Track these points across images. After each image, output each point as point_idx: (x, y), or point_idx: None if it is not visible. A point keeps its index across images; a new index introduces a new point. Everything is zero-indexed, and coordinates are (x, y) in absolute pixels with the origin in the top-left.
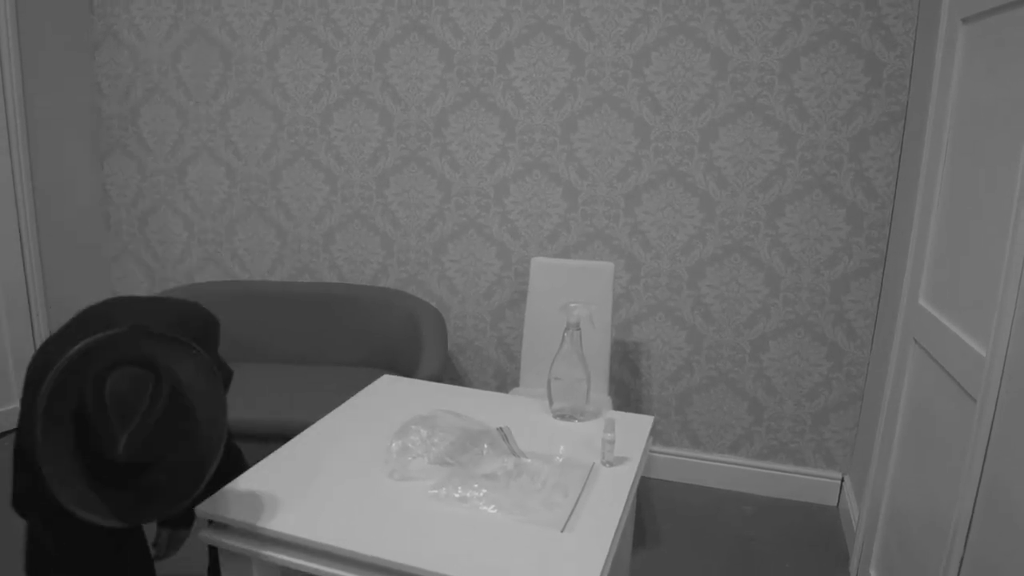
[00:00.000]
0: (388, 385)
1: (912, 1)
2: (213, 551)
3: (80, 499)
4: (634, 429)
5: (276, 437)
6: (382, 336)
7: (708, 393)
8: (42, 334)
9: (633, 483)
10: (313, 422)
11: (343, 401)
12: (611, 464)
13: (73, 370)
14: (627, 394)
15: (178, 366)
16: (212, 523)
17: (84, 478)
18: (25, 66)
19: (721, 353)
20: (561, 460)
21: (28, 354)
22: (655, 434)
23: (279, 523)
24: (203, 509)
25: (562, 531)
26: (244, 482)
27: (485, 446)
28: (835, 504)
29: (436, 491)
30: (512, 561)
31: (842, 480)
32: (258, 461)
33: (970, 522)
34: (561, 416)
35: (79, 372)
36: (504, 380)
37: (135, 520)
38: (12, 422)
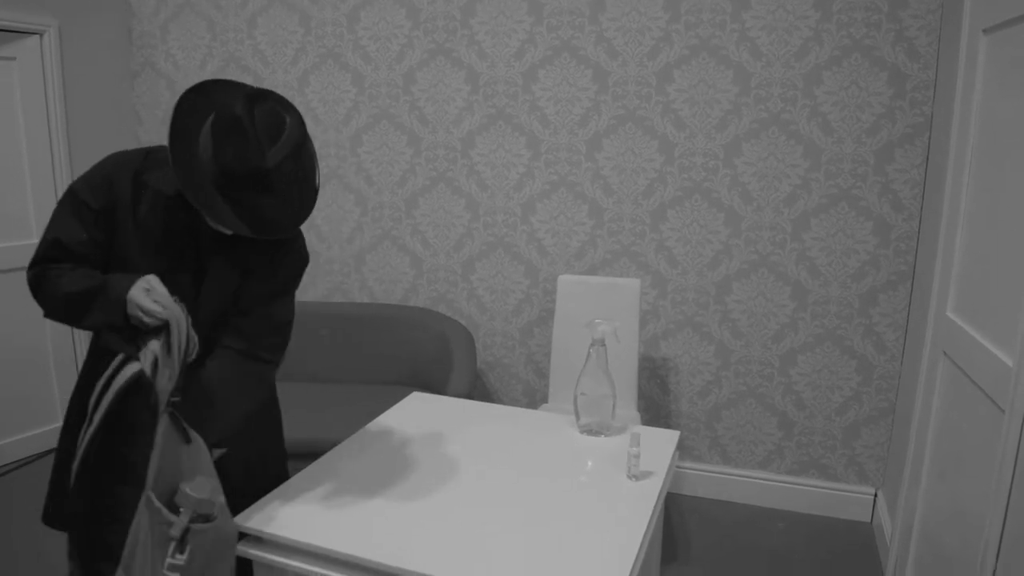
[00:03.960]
0: (418, 402)
1: (934, 12)
2: (242, 568)
3: (208, 201)
4: (660, 443)
5: (308, 454)
6: (412, 354)
7: (737, 408)
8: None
9: (659, 497)
10: (344, 439)
11: (374, 418)
12: (637, 478)
13: (204, 91)
14: (656, 410)
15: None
16: (246, 536)
17: (212, 185)
18: (68, 96)
19: (750, 368)
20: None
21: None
22: (685, 450)
23: (312, 536)
24: (238, 522)
25: None
26: (278, 497)
27: None
28: (869, 520)
29: None
30: (536, 575)
31: (875, 495)
32: (291, 477)
33: (1001, 535)
34: (588, 431)
35: (209, 95)
36: (533, 397)
37: (258, 231)
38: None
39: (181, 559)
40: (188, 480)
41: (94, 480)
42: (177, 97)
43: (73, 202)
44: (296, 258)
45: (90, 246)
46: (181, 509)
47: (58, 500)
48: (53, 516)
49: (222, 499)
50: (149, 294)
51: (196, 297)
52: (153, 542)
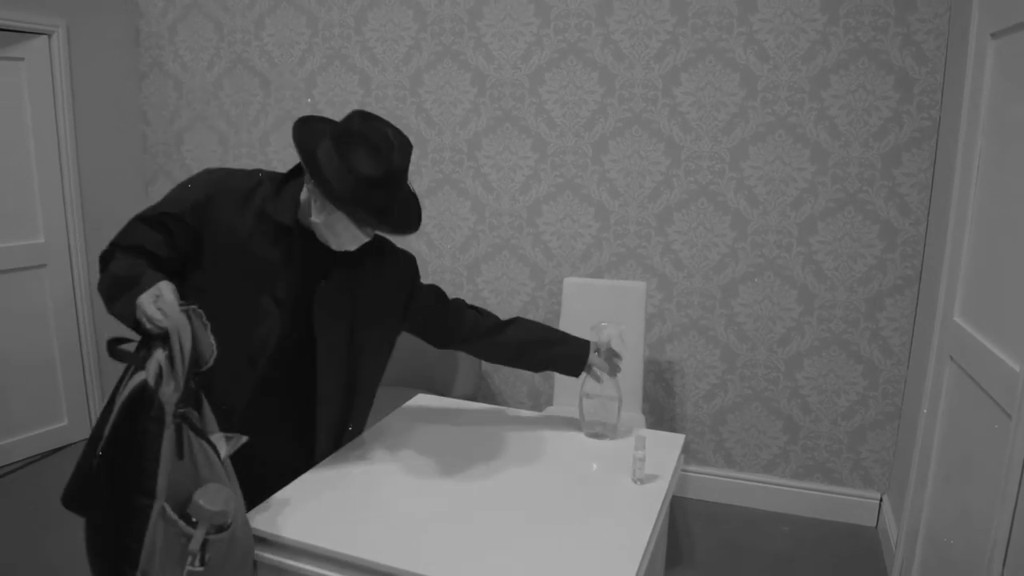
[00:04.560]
0: (423, 404)
1: (942, 16)
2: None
3: (354, 210)
4: (666, 447)
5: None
6: (417, 356)
7: (742, 412)
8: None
9: (664, 500)
10: (349, 440)
11: (379, 420)
12: (641, 481)
13: (305, 122)
14: (661, 413)
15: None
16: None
17: (351, 195)
18: (76, 97)
19: (755, 372)
20: None
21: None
22: (690, 453)
23: (316, 537)
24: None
25: None
26: (282, 498)
27: None
28: (874, 524)
29: None
30: None
31: (881, 500)
32: (295, 478)
33: (1008, 541)
34: (593, 435)
35: (310, 124)
36: (538, 399)
37: (395, 226)
38: (60, 440)
39: (200, 569)
40: (202, 490)
41: (110, 489)
42: (184, 97)
43: (171, 207)
44: (406, 257)
45: (165, 249)
46: (196, 521)
47: (80, 485)
48: (72, 499)
49: (240, 502)
50: (156, 301)
51: (283, 320)
52: (169, 551)
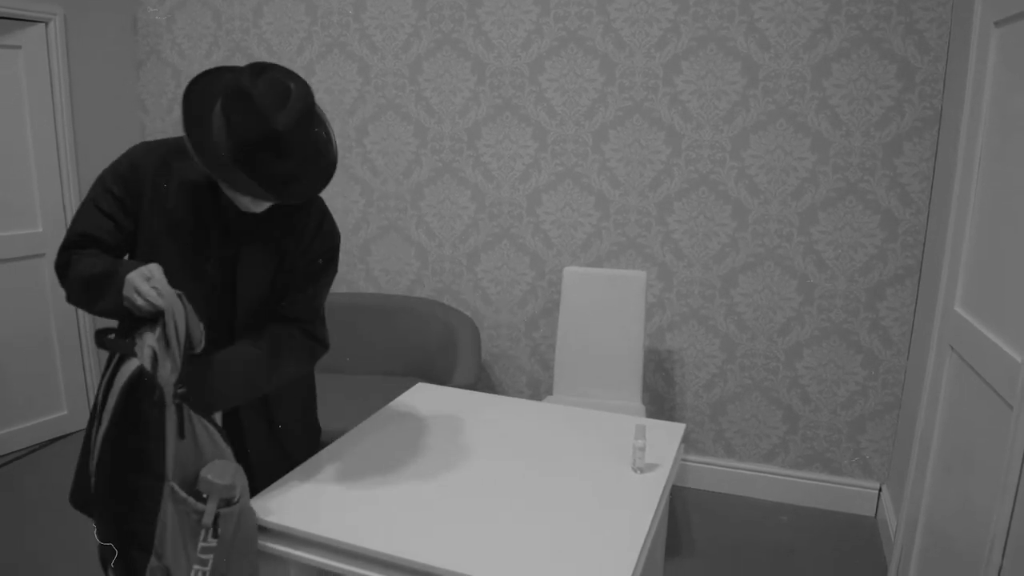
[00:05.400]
0: (423, 393)
1: (945, 5)
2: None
3: (230, 175)
4: (665, 437)
5: None
6: (417, 346)
7: (742, 402)
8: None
9: (664, 490)
10: (349, 429)
11: (378, 409)
12: (641, 470)
13: (210, 75)
14: (661, 402)
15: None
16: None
17: (231, 159)
18: (74, 85)
19: (755, 361)
20: None
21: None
22: (690, 443)
23: (316, 526)
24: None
25: None
26: (282, 486)
27: None
28: (873, 514)
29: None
30: (545, 567)
31: (880, 490)
32: (295, 467)
33: (1008, 531)
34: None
35: (215, 78)
36: (538, 389)
37: (279, 195)
38: (59, 429)
39: (213, 542)
40: (209, 465)
41: (115, 475)
42: (183, 87)
43: (100, 191)
44: (328, 235)
45: (116, 234)
46: (206, 496)
47: (84, 483)
48: (79, 498)
49: (244, 481)
50: (148, 281)
51: (224, 284)
52: (182, 529)
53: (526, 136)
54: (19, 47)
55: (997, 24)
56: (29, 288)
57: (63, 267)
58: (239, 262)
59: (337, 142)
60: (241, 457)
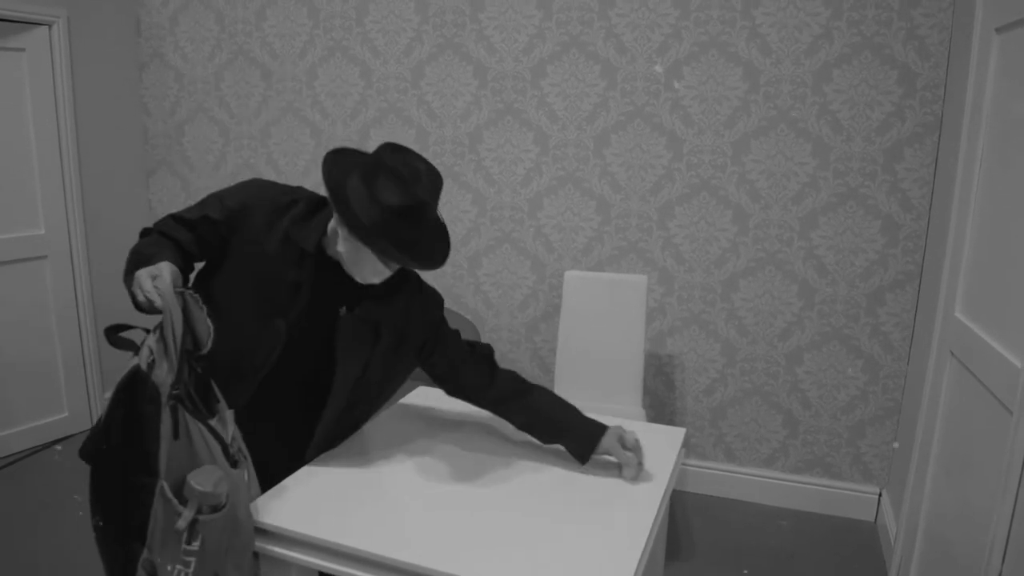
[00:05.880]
0: (423, 397)
1: (946, 11)
2: None
3: (375, 241)
4: (666, 441)
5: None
6: None
7: (742, 406)
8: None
9: (664, 494)
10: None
11: (379, 413)
12: (633, 479)
13: (340, 153)
14: (661, 407)
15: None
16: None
17: (375, 226)
18: (77, 87)
19: (755, 366)
20: None
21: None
22: (690, 447)
23: (316, 529)
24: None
25: None
26: (283, 489)
27: None
28: (873, 519)
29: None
30: (546, 571)
31: (880, 495)
32: (297, 469)
33: (1008, 536)
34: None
35: (344, 155)
36: None
37: (421, 262)
38: (61, 431)
39: (195, 546)
40: (196, 471)
41: (120, 470)
42: (185, 88)
43: (211, 203)
44: (433, 294)
45: (195, 247)
46: (188, 501)
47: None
48: (88, 452)
49: (233, 483)
50: (155, 280)
51: (312, 348)
52: (167, 530)
53: (527, 140)
54: (23, 50)
55: (998, 31)
56: (31, 290)
57: (145, 232)
58: (338, 330)
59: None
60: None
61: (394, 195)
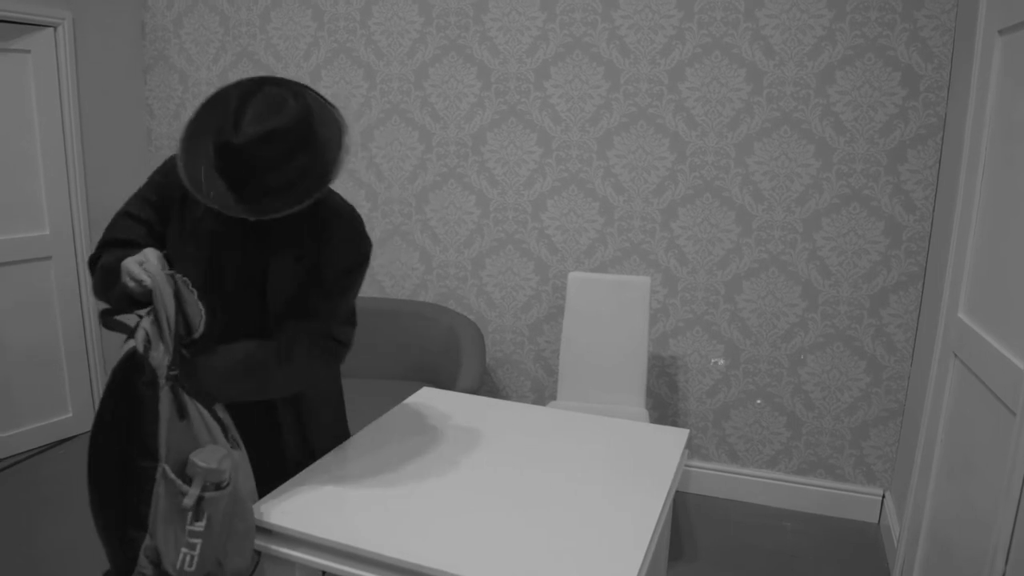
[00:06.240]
0: (427, 397)
1: (949, 13)
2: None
3: (194, 176)
4: (669, 442)
5: None
6: (421, 350)
7: (745, 407)
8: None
9: (667, 495)
10: (354, 433)
11: (383, 413)
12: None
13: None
14: (664, 408)
15: (313, 101)
16: (256, 528)
17: (218, 182)
18: (81, 89)
19: (758, 367)
20: None
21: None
22: (693, 448)
23: (322, 529)
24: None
25: None
26: (288, 489)
27: None
28: (876, 521)
29: None
30: (549, 572)
31: (883, 496)
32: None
33: (1011, 538)
34: None
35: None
36: (542, 394)
37: (259, 210)
38: (65, 431)
39: (200, 526)
40: (199, 450)
41: (118, 454)
42: (189, 90)
43: (135, 199)
44: (356, 243)
45: (148, 238)
46: (192, 479)
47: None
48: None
49: (235, 462)
50: (143, 264)
51: (256, 292)
52: (172, 512)
53: (531, 142)
54: (28, 51)
55: (1001, 32)
56: (36, 290)
57: (93, 262)
58: (269, 271)
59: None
60: (276, 455)
61: (216, 131)
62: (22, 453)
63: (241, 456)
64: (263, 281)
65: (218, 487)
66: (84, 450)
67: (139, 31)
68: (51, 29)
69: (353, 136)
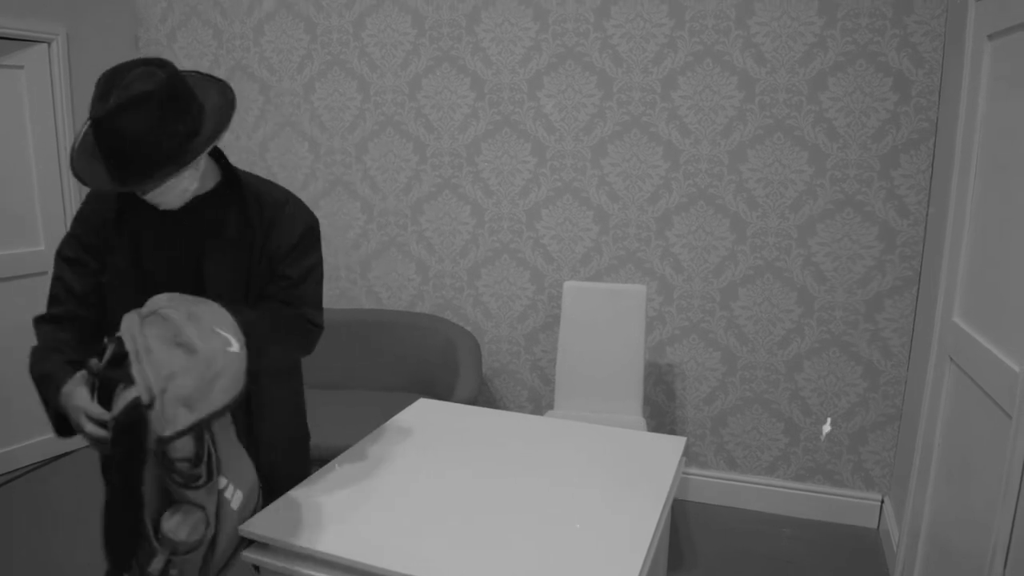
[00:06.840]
0: (424, 408)
1: (939, 18)
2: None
3: (84, 170)
4: (666, 449)
5: (315, 460)
6: (418, 361)
7: (743, 414)
8: None
9: (665, 503)
10: (350, 445)
11: (380, 424)
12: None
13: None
14: (661, 416)
15: (186, 73)
16: (252, 542)
17: (95, 159)
18: (76, 104)
19: (755, 374)
20: None
21: None
22: (691, 456)
23: (318, 543)
24: (245, 528)
25: None
26: (284, 502)
27: None
28: (875, 526)
29: None
30: None
31: (882, 501)
32: (297, 483)
33: (1009, 540)
34: None
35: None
36: (539, 403)
37: (138, 182)
38: (62, 447)
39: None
40: (170, 513)
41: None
42: None
43: (63, 242)
44: (294, 218)
45: (83, 279)
46: (161, 543)
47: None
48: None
49: (222, 503)
50: (85, 422)
51: (196, 287)
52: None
53: (525, 151)
54: (21, 67)
55: (990, 37)
56: (32, 305)
57: (38, 322)
58: (205, 260)
59: (338, 159)
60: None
61: (93, 109)
62: (22, 468)
63: (215, 485)
64: (199, 269)
65: (191, 549)
66: (83, 464)
67: (133, 45)
68: (45, 44)
69: (347, 147)
